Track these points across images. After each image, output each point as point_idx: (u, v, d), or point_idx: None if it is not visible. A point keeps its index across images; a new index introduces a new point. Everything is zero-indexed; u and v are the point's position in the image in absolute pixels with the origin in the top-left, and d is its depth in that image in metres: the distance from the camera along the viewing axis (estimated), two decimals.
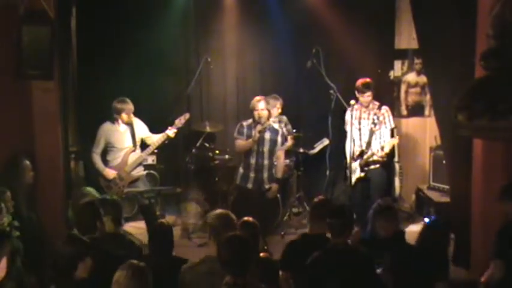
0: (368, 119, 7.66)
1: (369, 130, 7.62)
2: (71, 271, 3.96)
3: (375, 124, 7.56)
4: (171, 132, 7.39)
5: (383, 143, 7.61)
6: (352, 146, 7.60)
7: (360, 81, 7.64)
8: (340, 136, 8.08)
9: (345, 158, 7.82)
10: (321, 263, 4.48)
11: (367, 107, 7.67)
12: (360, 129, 7.67)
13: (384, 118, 7.68)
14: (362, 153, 7.60)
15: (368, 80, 7.63)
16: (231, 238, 3.94)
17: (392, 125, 7.70)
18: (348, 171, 7.60)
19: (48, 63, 6.28)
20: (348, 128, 7.80)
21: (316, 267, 4.49)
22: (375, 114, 7.62)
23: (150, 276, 3.79)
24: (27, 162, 6.14)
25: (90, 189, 6.25)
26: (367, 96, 7.59)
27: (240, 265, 3.80)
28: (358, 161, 7.62)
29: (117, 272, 3.74)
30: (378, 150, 7.56)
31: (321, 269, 4.47)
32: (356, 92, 7.67)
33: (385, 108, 7.74)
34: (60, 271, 3.98)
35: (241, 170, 7.49)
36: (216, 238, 4.34)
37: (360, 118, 7.68)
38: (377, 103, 7.72)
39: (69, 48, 7.17)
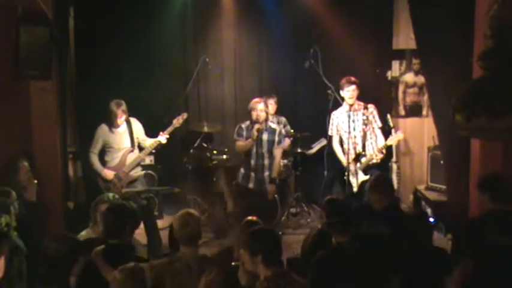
0: (357, 120, 7.64)
1: (360, 132, 7.61)
2: (68, 270, 3.96)
3: (365, 124, 7.54)
4: (162, 138, 7.39)
5: (374, 143, 7.63)
6: (341, 149, 7.70)
7: (344, 78, 7.61)
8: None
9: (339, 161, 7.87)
10: (329, 263, 4.45)
11: (351, 105, 7.61)
12: (349, 133, 7.60)
13: (374, 117, 7.68)
14: (359, 156, 7.58)
15: (353, 78, 7.59)
16: (262, 230, 4.06)
17: (380, 124, 7.74)
18: (345, 177, 7.63)
19: (46, 63, 6.27)
20: (334, 132, 7.80)
21: (324, 267, 4.46)
22: (363, 114, 7.59)
23: (147, 277, 3.79)
24: (23, 163, 6.11)
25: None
26: (352, 91, 7.53)
27: (277, 255, 3.89)
28: (358, 165, 7.60)
29: (114, 272, 3.73)
30: (376, 153, 7.56)
31: (330, 270, 4.44)
32: (341, 92, 7.67)
33: (371, 107, 7.68)
34: (57, 271, 3.97)
35: (242, 170, 7.48)
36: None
37: (348, 121, 7.60)
38: (362, 103, 7.66)
39: (67, 49, 7.17)
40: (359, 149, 7.60)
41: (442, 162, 7.30)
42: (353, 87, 7.51)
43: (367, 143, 7.61)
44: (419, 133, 9.20)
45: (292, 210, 8.57)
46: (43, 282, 4.02)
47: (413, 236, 4.55)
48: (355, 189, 7.59)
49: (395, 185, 8.58)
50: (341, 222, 4.55)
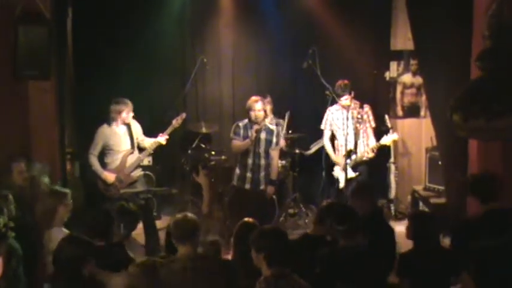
0: (352, 118, 7.66)
1: (354, 129, 7.63)
2: (78, 272, 3.95)
3: (359, 123, 7.57)
4: (162, 139, 7.38)
5: (366, 141, 7.70)
6: (331, 145, 7.89)
7: (338, 83, 7.68)
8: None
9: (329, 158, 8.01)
10: (334, 264, 4.44)
11: (348, 106, 7.67)
12: (343, 129, 7.64)
13: (368, 117, 7.75)
14: (350, 153, 7.60)
15: (346, 81, 7.65)
16: (269, 229, 4.09)
17: (374, 124, 7.85)
18: (333, 172, 7.73)
19: (44, 63, 6.27)
20: (326, 127, 7.89)
21: (329, 267, 4.44)
22: (359, 113, 7.62)
23: (159, 273, 3.83)
24: (17, 164, 6.08)
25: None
26: (344, 100, 7.62)
27: (280, 256, 3.88)
28: (348, 161, 7.61)
29: (128, 267, 3.80)
30: (367, 151, 7.63)
31: (334, 269, 4.42)
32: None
33: (367, 107, 7.80)
34: (66, 272, 3.97)
35: (237, 170, 7.41)
36: None
37: (342, 119, 7.68)
38: (358, 102, 7.74)
39: (65, 49, 7.16)
40: (350, 146, 7.62)
41: (440, 163, 7.31)
42: (346, 96, 7.59)
43: (359, 141, 7.64)
44: (417, 134, 9.20)
45: (290, 210, 8.56)
46: (53, 283, 4.03)
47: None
48: (341, 184, 7.64)
49: (393, 186, 8.63)
50: (351, 228, 4.51)
